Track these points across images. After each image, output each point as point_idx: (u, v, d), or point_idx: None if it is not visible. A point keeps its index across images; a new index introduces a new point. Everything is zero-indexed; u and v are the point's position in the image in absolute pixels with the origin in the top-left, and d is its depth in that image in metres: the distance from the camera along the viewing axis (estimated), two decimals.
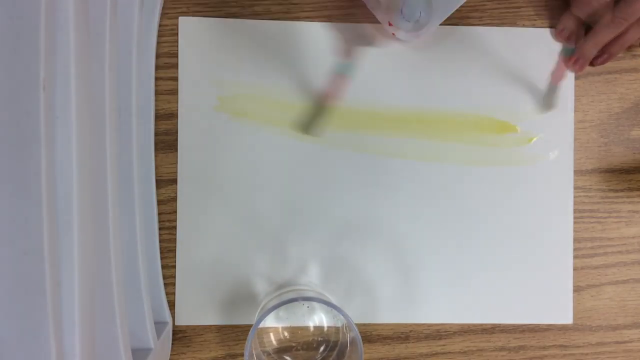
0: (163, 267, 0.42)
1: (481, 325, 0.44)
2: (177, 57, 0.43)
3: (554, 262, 0.44)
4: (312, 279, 0.43)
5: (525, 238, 0.44)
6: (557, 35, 0.44)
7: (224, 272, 0.43)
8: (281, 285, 0.43)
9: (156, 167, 0.42)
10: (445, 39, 0.44)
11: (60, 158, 0.24)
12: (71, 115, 0.24)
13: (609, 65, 0.44)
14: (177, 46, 0.43)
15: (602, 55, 0.43)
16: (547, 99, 0.44)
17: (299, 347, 0.43)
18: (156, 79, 0.42)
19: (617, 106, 0.45)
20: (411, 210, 0.44)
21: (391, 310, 0.43)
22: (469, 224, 0.44)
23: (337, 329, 0.42)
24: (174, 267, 0.43)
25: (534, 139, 0.44)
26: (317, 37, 0.43)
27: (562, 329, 0.44)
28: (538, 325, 0.44)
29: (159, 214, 0.42)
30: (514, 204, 0.44)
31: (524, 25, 0.44)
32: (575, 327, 0.44)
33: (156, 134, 0.43)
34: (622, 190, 0.45)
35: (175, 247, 0.43)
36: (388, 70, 0.44)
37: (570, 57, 0.44)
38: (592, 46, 0.42)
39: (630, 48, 0.44)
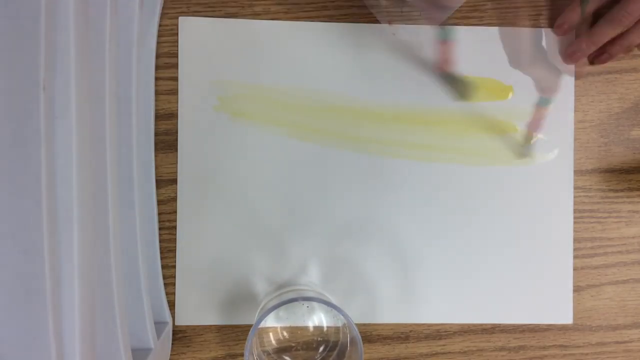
0: (163, 267, 0.42)
1: (481, 325, 0.44)
2: (177, 57, 0.43)
3: (554, 262, 0.44)
4: (312, 279, 0.43)
5: (525, 238, 0.44)
6: (556, 29, 0.43)
7: (224, 272, 0.43)
8: (281, 285, 0.43)
9: (156, 167, 0.42)
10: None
11: (60, 158, 0.24)
12: (71, 115, 0.24)
13: (609, 65, 0.44)
14: (177, 46, 0.43)
15: (603, 54, 0.43)
16: (522, 149, 0.44)
17: (298, 347, 0.43)
18: (156, 79, 0.42)
19: (617, 106, 0.45)
20: (411, 210, 0.44)
21: (391, 310, 0.43)
22: (469, 224, 0.44)
23: (337, 329, 0.42)
24: (174, 267, 0.43)
25: (534, 139, 0.44)
26: (317, 37, 0.43)
27: (562, 329, 0.44)
28: (538, 325, 0.44)
29: (159, 214, 0.42)
30: (513, 204, 0.44)
31: (524, 25, 0.44)
32: (575, 327, 0.44)
33: (156, 134, 0.43)
34: (622, 190, 0.45)
35: (175, 247, 0.43)
36: (388, 69, 0.44)
37: (566, 50, 0.43)
38: (590, 42, 0.42)
39: (630, 51, 0.43)
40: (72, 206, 0.24)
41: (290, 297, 0.37)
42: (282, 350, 0.42)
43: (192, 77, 0.43)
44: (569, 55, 0.43)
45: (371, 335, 0.44)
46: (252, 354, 0.37)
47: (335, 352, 0.41)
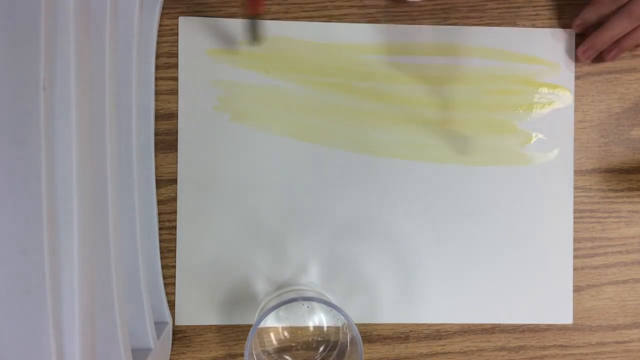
0: (163, 267, 0.42)
1: (481, 325, 0.44)
2: (177, 57, 0.43)
3: (554, 262, 0.44)
4: (312, 279, 0.43)
5: (525, 238, 0.44)
6: (575, 27, 0.43)
7: (224, 272, 0.43)
8: (281, 285, 0.43)
9: (156, 167, 0.42)
10: (445, 39, 0.44)
11: (60, 158, 0.24)
12: (71, 115, 0.24)
13: (609, 65, 0.44)
14: (177, 46, 0.43)
15: (613, 49, 0.42)
16: (251, 34, 0.40)
17: (298, 347, 0.43)
18: (156, 79, 0.42)
19: (617, 106, 0.45)
20: (411, 210, 0.44)
21: (391, 310, 0.43)
22: (469, 224, 0.44)
23: (337, 329, 0.42)
24: (174, 267, 0.43)
25: (534, 139, 0.44)
26: (317, 37, 0.43)
27: (562, 329, 0.44)
28: (538, 325, 0.44)
29: (159, 214, 0.42)
30: (513, 204, 0.44)
31: (524, 25, 0.44)
32: (575, 327, 0.44)
33: (156, 134, 0.43)
34: (622, 190, 0.45)
35: (175, 247, 0.43)
36: (387, 69, 0.44)
37: (580, 48, 0.43)
38: (604, 38, 0.42)
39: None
40: (72, 206, 0.24)
41: (290, 297, 0.37)
42: (282, 350, 0.42)
43: (192, 77, 0.43)
44: (583, 52, 0.43)
45: (371, 335, 0.44)
46: (252, 354, 0.37)
47: (335, 352, 0.41)
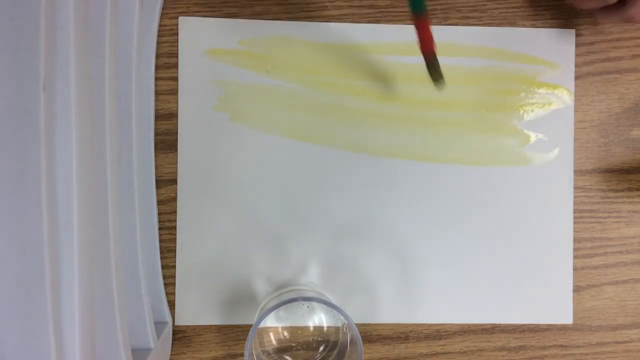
0: (163, 267, 0.42)
1: (481, 325, 0.44)
2: (177, 57, 0.43)
3: (554, 262, 0.44)
4: (312, 279, 0.43)
5: (525, 238, 0.44)
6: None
7: (224, 272, 0.43)
8: (281, 285, 0.43)
9: (156, 167, 0.42)
10: (445, 39, 0.44)
11: (60, 158, 0.24)
12: (71, 115, 0.24)
13: (609, 65, 0.44)
14: (177, 46, 0.43)
15: None
16: (433, 76, 0.38)
17: (298, 347, 0.43)
18: (156, 79, 0.42)
19: (617, 106, 0.45)
20: (411, 210, 0.44)
21: (391, 310, 0.43)
22: (469, 224, 0.44)
23: (337, 329, 0.42)
24: (174, 267, 0.43)
25: (534, 139, 0.44)
26: (317, 37, 0.43)
27: (562, 329, 0.44)
28: (538, 325, 0.44)
29: (159, 214, 0.42)
30: (513, 204, 0.44)
31: (524, 26, 0.44)
32: (575, 327, 0.44)
33: (156, 134, 0.43)
34: (622, 190, 0.45)
35: (175, 247, 0.43)
36: (387, 68, 0.44)
37: None
38: None
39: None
40: (72, 206, 0.24)
41: (290, 297, 0.37)
42: (282, 350, 0.42)
43: (192, 77, 0.43)
44: None
45: (371, 335, 0.44)
46: (252, 354, 0.37)
47: (335, 352, 0.41)
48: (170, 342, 0.42)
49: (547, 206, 0.44)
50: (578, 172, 0.44)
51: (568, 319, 0.44)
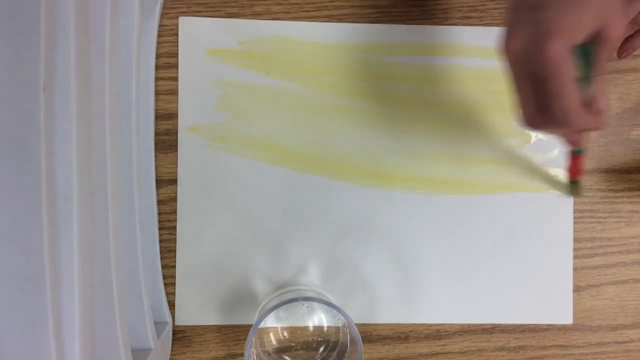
0: (163, 267, 0.42)
1: (481, 325, 0.44)
2: (177, 57, 0.43)
3: (554, 262, 0.44)
4: (312, 279, 0.43)
5: (525, 238, 0.44)
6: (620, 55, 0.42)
7: (224, 272, 0.43)
8: (281, 285, 0.43)
9: (156, 167, 0.42)
10: (445, 39, 0.44)
11: (60, 158, 0.24)
12: (71, 115, 0.24)
13: (609, 65, 0.44)
14: (177, 46, 0.43)
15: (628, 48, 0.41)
16: (572, 191, 0.43)
17: (298, 347, 0.43)
18: (156, 79, 0.42)
19: (617, 106, 0.45)
20: (410, 210, 0.44)
21: (391, 310, 0.43)
22: (469, 224, 0.44)
23: (337, 329, 0.42)
24: (174, 267, 0.43)
25: (534, 139, 0.44)
26: (317, 37, 0.43)
27: (562, 329, 0.44)
28: (538, 325, 0.44)
29: (159, 214, 0.42)
30: (513, 204, 0.44)
31: None
32: (575, 327, 0.44)
33: (156, 134, 0.43)
34: (622, 190, 0.45)
35: (175, 247, 0.43)
36: (387, 68, 0.44)
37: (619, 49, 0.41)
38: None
39: None
40: (72, 206, 0.24)
41: (290, 297, 0.37)
42: (282, 350, 0.42)
43: (192, 77, 0.43)
44: (622, 51, 0.42)
45: (371, 335, 0.44)
46: (252, 354, 0.38)
47: (335, 352, 0.41)
48: (170, 342, 0.42)
49: (547, 206, 0.44)
50: None
51: (568, 319, 0.44)
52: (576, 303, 0.44)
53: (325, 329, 0.43)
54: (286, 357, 0.42)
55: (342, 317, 0.36)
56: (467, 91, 0.44)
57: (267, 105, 0.43)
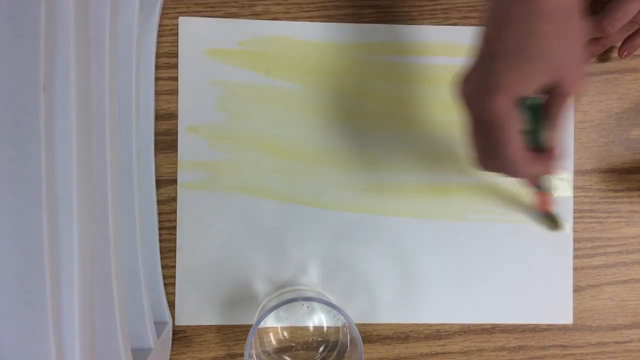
0: (163, 267, 0.42)
1: (481, 325, 0.44)
2: (177, 57, 0.43)
3: (554, 262, 0.44)
4: (312, 279, 0.43)
5: (525, 238, 0.44)
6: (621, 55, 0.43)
7: (224, 272, 0.43)
8: (281, 285, 0.43)
9: (156, 167, 0.42)
10: (445, 39, 0.44)
11: (60, 158, 0.24)
12: (71, 115, 0.24)
13: (609, 65, 0.44)
14: (177, 46, 0.43)
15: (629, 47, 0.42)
16: (550, 225, 0.43)
17: (298, 347, 0.43)
18: (156, 79, 0.42)
19: (617, 106, 0.45)
20: (411, 209, 0.43)
21: (391, 310, 0.43)
22: (469, 224, 0.44)
23: (337, 329, 0.42)
24: (174, 267, 0.43)
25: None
26: (317, 37, 0.43)
27: (562, 329, 0.44)
28: (538, 325, 0.44)
29: (159, 214, 0.42)
30: (513, 204, 0.44)
31: None
32: (575, 327, 0.44)
33: (156, 134, 0.43)
34: (622, 190, 0.45)
35: (175, 247, 0.43)
36: (387, 69, 0.44)
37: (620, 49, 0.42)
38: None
39: None
40: (72, 206, 0.24)
41: (290, 297, 0.37)
42: (282, 350, 0.42)
43: (192, 77, 0.43)
44: (622, 51, 0.43)
45: (371, 335, 0.44)
46: (252, 354, 0.38)
47: (335, 352, 0.41)
48: (170, 342, 0.42)
49: None
50: (578, 172, 0.44)
51: (568, 319, 0.44)
52: (576, 303, 0.44)
53: (325, 329, 0.43)
54: (286, 357, 0.42)
55: (342, 317, 0.36)
56: None
57: (267, 105, 0.43)
